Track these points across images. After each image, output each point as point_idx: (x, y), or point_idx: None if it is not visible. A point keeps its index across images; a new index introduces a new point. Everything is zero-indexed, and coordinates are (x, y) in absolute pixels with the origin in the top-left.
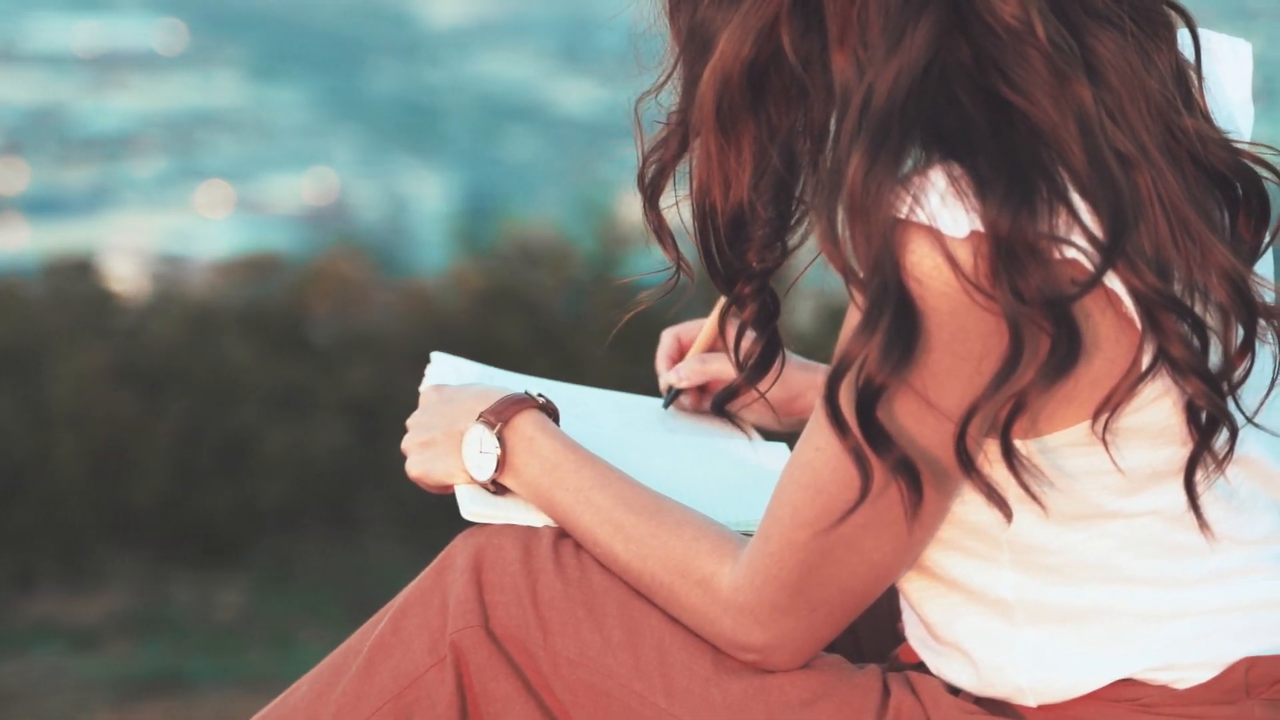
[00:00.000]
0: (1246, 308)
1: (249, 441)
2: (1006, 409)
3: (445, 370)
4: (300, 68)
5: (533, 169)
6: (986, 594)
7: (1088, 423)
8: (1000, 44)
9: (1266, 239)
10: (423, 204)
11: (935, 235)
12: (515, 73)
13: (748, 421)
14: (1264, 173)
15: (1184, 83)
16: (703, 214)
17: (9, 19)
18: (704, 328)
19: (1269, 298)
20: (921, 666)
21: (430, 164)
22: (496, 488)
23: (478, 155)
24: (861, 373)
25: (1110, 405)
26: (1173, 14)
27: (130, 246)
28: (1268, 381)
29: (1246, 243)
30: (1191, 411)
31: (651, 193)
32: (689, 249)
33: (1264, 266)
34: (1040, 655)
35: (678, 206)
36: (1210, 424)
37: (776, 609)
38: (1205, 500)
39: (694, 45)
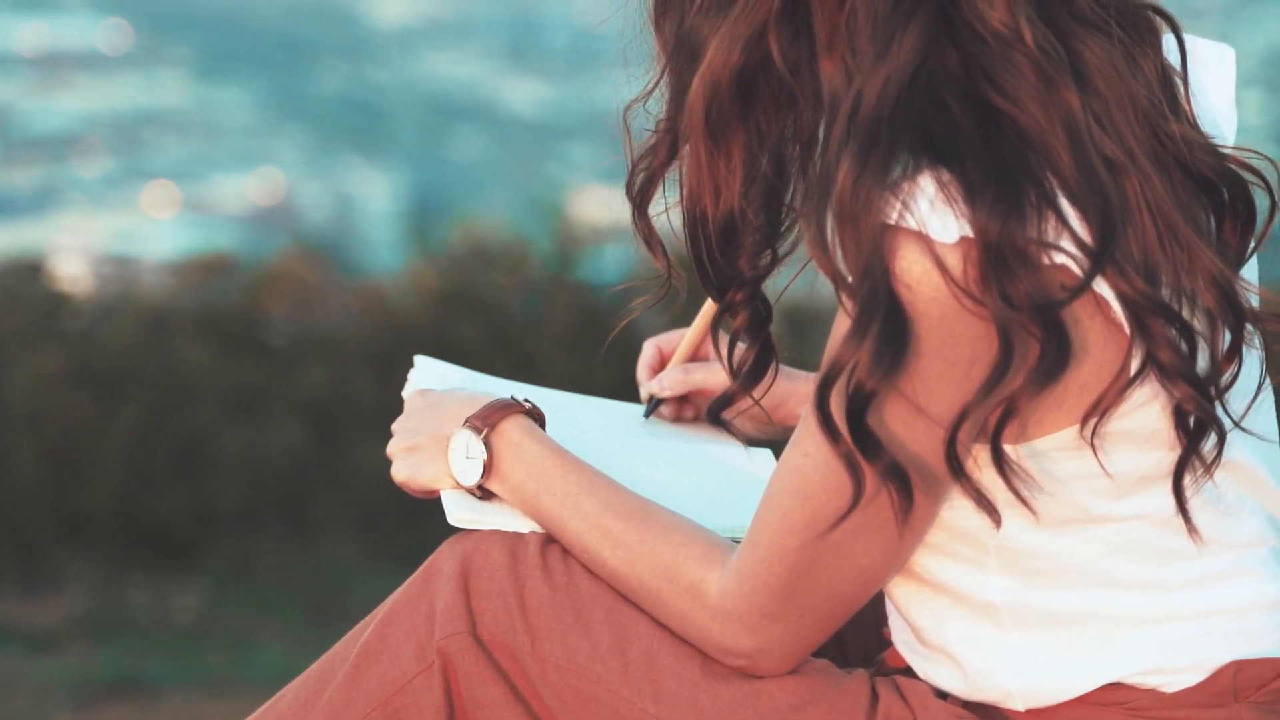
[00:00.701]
0: (1234, 312)
1: (205, 443)
2: (996, 414)
3: (428, 374)
4: (246, 67)
5: (480, 168)
6: (974, 598)
7: (1076, 427)
8: (988, 50)
9: (1252, 244)
10: (370, 204)
11: (925, 241)
12: (462, 72)
13: (738, 429)
14: (1249, 177)
15: (1170, 88)
16: (693, 221)
17: None
18: (685, 337)
19: (1254, 302)
20: (908, 671)
21: (377, 164)
22: (483, 493)
23: (424, 155)
24: (852, 379)
25: (1099, 410)
26: (1158, 19)
27: (76, 247)
28: (1254, 386)
29: (1232, 247)
30: (1180, 416)
31: (640, 200)
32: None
33: (1249, 271)
34: (1028, 659)
35: (667, 214)
36: (1198, 428)
37: (765, 615)
38: (1193, 504)
39: (682, 53)
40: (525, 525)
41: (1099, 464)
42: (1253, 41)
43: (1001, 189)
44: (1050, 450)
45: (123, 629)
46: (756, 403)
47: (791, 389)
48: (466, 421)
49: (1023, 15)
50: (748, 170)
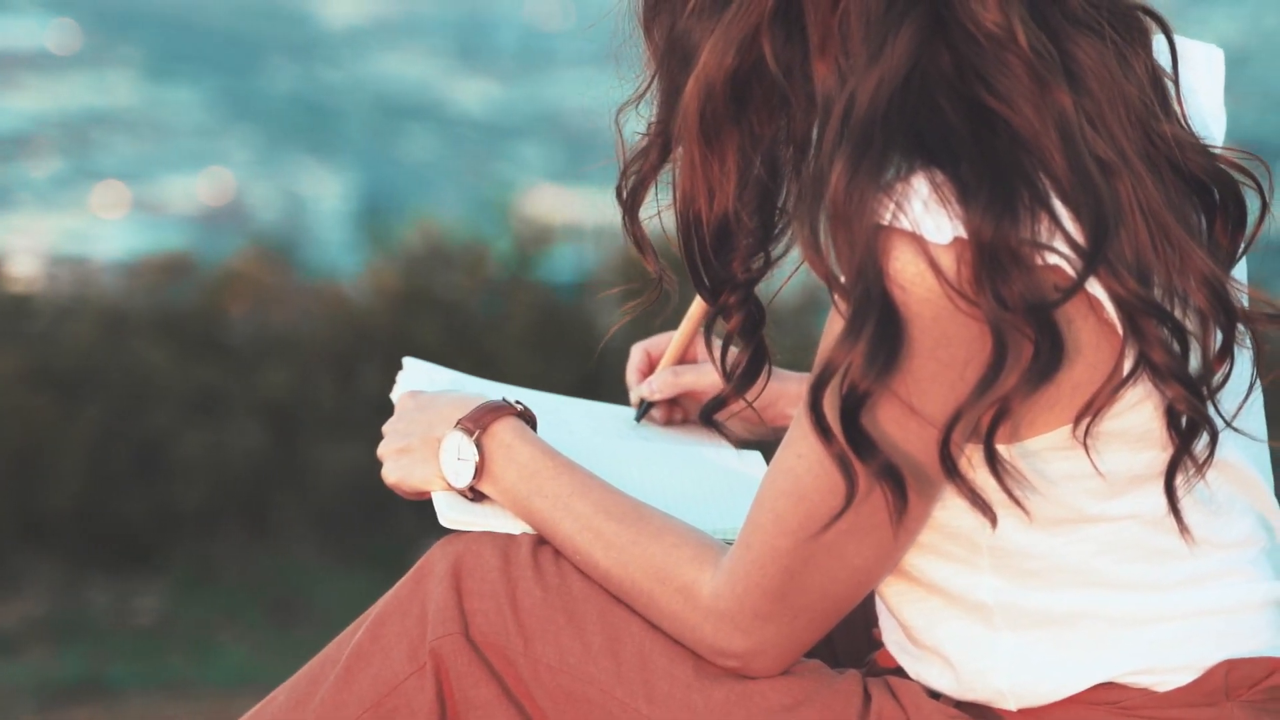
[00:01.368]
0: (1225, 312)
1: (165, 444)
2: (990, 414)
3: (417, 376)
4: (195, 67)
5: (430, 168)
6: (966, 598)
7: (1069, 427)
8: (981, 51)
9: (1242, 244)
10: (320, 203)
11: (918, 242)
12: (412, 72)
13: (730, 431)
14: (1240, 178)
15: (1161, 88)
16: (687, 224)
17: None
18: (673, 340)
19: (1244, 302)
20: (899, 672)
21: (327, 163)
22: (474, 495)
23: (375, 154)
24: (845, 380)
25: (1092, 410)
26: (1148, 20)
27: (26, 248)
28: (1245, 386)
29: (1224, 248)
30: (1172, 416)
31: (631, 204)
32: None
33: (1238, 270)
34: (1021, 659)
35: (659, 216)
36: (1191, 428)
37: (758, 616)
38: (1185, 504)
39: (674, 56)
40: (517, 527)
41: (1091, 464)
42: (1163, 41)
43: (995, 190)
44: (1043, 450)
45: (83, 631)
46: (749, 405)
47: (780, 389)
48: (458, 423)
49: (1016, 16)
50: (741, 172)
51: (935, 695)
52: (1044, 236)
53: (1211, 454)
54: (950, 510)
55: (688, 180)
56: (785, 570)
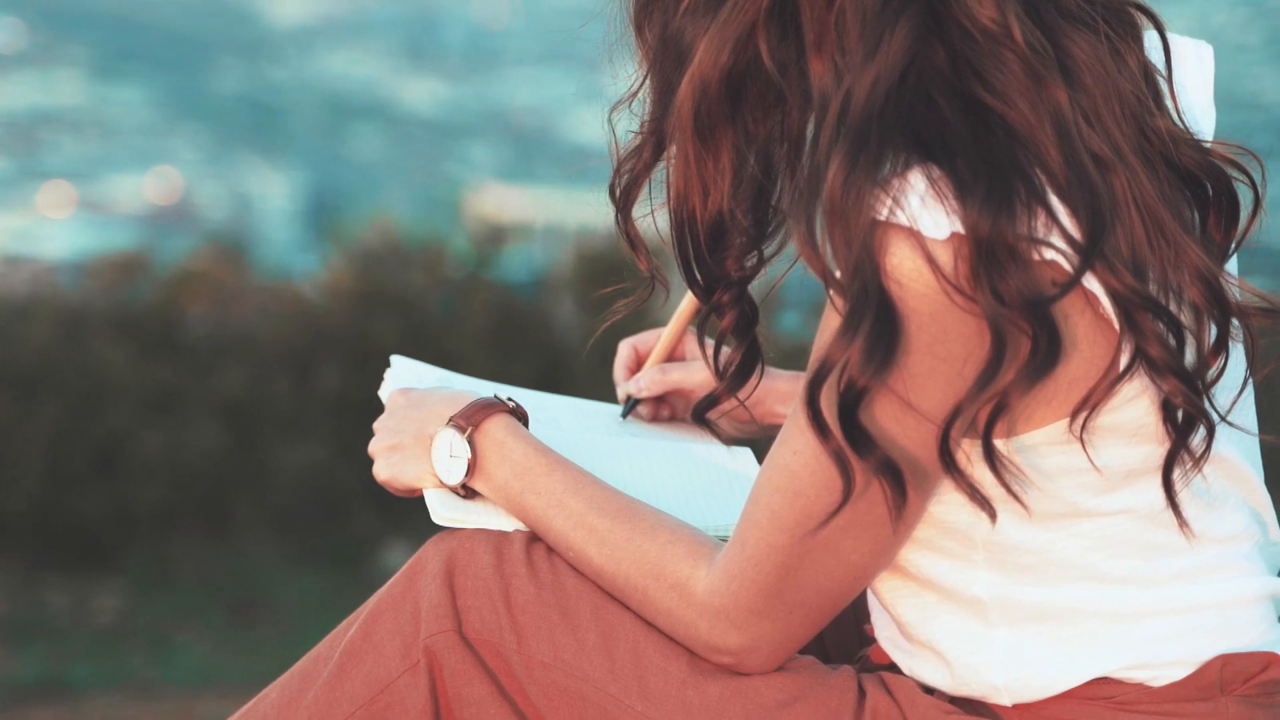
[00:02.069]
0: (1220, 307)
1: (123, 445)
2: (987, 410)
3: (404, 374)
4: (142, 66)
5: (378, 167)
6: (961, 593)
7: (1065, 421)
8: (977, 47)
9: (1235, 238)
10: (268, 202)
11: (916, 237)
12: (359, 71)
13: (720, 428)
14: (1233, 172)
15: (1154, 84)
16: (681, 223)
17: None
18: (662, 338)
19: (1237, 295)
20: (892, 667)
21: (275, 162)
22: (466, 492)
23: (322, 153)
24: (843, 376)
25: (1088, 405)
26: (1140, 15)
27: None
28: (1239, 380)
29: (1217, 242)
30: (1168, 410)
31: (624, 203)
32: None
33: (1230, 264)
34: (1015, 654)
35: (653, 215)
36: (1187, 422)
37: (753, 612)
38: (1180, 498)
39: (668, 55)
40: (509, 524)
41: (1088, 458)
42: (1153, 37)
43: (992, 185)
44: (1039, 445)
45: (42, 632)
46: (741, 403)
47: (770, 386)
48: (450, 420)
49: (1011, 12)
50: (736, 171)
51: (929, 691)
52: (1040, 232)
53: (1208, 448)
54: (945, 505)
55: (681, 178)
56: (781, 566)
